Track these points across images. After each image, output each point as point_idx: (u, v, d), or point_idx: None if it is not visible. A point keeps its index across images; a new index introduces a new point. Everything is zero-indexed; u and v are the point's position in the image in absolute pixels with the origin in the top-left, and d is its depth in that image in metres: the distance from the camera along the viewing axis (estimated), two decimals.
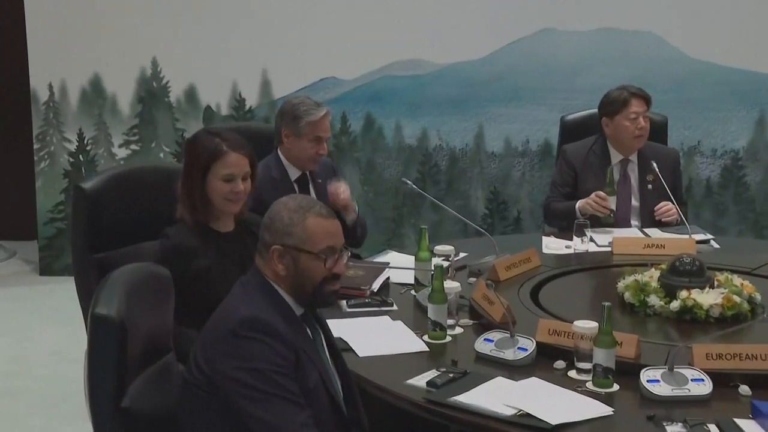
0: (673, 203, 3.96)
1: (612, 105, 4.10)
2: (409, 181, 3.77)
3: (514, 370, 2.53)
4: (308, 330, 2.32)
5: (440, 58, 5.68)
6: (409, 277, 3.25)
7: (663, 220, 3.99)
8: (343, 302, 3.07)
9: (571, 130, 4.48)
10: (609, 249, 3.67)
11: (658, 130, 4.40)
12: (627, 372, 2.43)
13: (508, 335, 2.64)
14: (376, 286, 3.22)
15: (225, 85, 5.71)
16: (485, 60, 5.66)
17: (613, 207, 3.91)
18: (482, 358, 2.62)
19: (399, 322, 2.91)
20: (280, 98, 5.52)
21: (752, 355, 2.45)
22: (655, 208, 4.00)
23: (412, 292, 3.20)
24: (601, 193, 3.91)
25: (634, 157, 4.15)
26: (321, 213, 2.28)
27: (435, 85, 5.72)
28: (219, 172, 2.89)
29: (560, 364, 2.55)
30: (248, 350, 2.14)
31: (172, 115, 5.76)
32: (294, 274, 2.26)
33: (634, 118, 4.05)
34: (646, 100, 4.09)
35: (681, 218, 3.93)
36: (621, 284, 3.07)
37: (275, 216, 2.27)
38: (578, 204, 3.97)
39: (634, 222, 4.11)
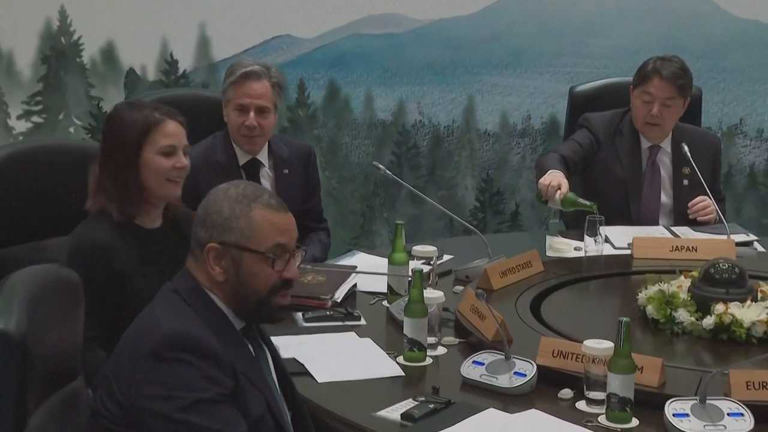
0: (711, 200, 3.99)
1: (638, 74, 4.13)
2: (381, 166, 3.77)
3: (510, 401, 2.54)
4: (251, 347, 2.31)
5: (421, 12, 5.69)
6: (380, 285, 3.26)
7: (700, 219, 4.01)
8: (299, 315, 3.07)
9: (582, 104, 4.50)
10: (628, 252, 3.70)
11: (691, 106, 4.43)
12: (649, 403, 2.45)
13: (503, 357, 2.65)
14: (339, 295, 3.22)
15: (152, 44, 5.68)
16: (477, 16, 5.69)
17: (552, 206, 3.86)
18: (470, 385, 2.62)
19: (368, 340, 2.92)
20: (222, 61, 5.52)
21: None
22: (690, 204, 4.04)
23: (385, 302, 3.20)
24: (563, 191, 3.76)
25: (666, 144, 4.18)
26: (270, 204, 2.28)
27: (415, 47, 5.73)
28: (156, 144, 2.92)
29: (566, 392, 2.56)
30: (174, 375, 2.13)
31: (86, 80, 5.73)
32: (235, 280, 2.25)
33: (648, 102, 4.07)
34: (676, 85, 4.05)
35: (718, 216, 3.96)
36: (642, 295, 3.09)
37: (212, 207, 2.27)
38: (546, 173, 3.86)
39: (662, 222, 4.14)
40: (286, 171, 3.76)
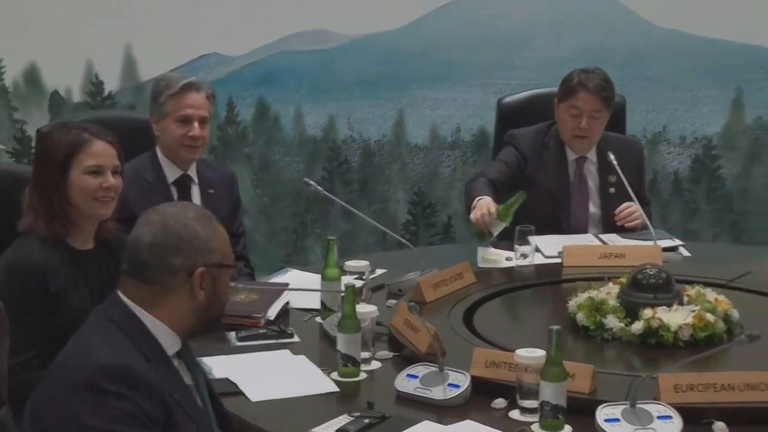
0: (638, 207, 4.04)
1: (562, 87, 4.17)
2: (312, 182, 3.78)
3: (444, 412, 2.55)
4: (186, 371, 2.30)
5: (350, 28, 5.71)
6: (314, 301, 3.26)
7: (627, 225, 4.07)
8: (232, 334, 3.06)
9: (510, 116, 4.54)
10: (558, 260, 3.74)
11: (615, 114, 4.49)
12: (581, 410, 2.47)
13: (437, 369, 2.66)
14: (272, 313, 3.21)
15: (77, 65, 5.63)
16: (405, 30, 5.72)
17: (495, 232, 3.80)
18: (405, 399, 2.63)
19: (302, 357, 2.91)
20: (149, 81, 5.47)
21: (728, 385, 2.52)
22: (616, 212, 4.09)
23: (318, 319, 3.20)
24: (490, 206, 3.79)
25: (592, 154, 4.23)
26: (214, 218, 2.32)
27: (344, 62, 5.74)
28: (83, 164, 2.94)
29: (500, 402, 2.58)
30: (107, 407, 2.10)
31: (8, 103, 5.65)
32: (211, 299, 2.27)
33: (576, 115, 4.11)
34: (602, 97, 4.09)
35: (645, 221, 4.02)
36: (572, 303, 3.12)
37: (185, 232, 2.25)
38: (472, 204, 3.88)
39: (592, 232, 4.18)
40: (211, 191, 3.77)
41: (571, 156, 4.22)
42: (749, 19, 5.56)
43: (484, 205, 3.80)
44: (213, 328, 2.36)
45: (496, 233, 3.78)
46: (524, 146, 4.22)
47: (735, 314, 3.05)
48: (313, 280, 3.38)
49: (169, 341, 2.26)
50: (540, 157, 4.21)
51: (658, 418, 2.42)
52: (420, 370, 2.69)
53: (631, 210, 4.07)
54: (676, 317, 2.96)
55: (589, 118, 4.10)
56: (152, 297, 2.24)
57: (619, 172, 4.07)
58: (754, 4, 5.58)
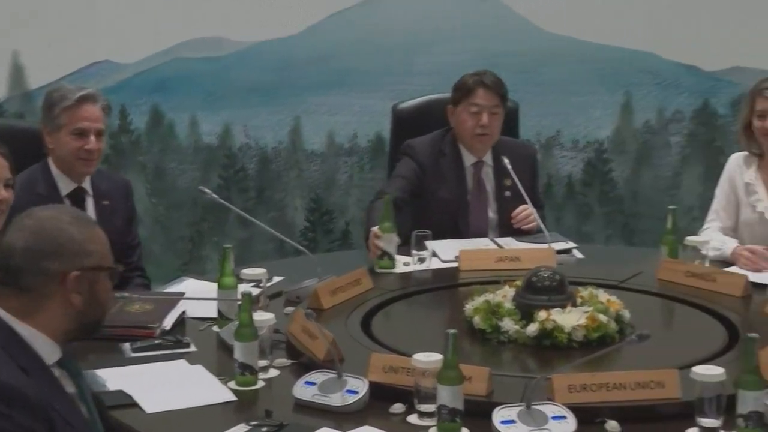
0: (532, 210, 4.10)
1: (457, 91, 4.23)
2: (207, 190, 3.75)
3: (343, 418, 2.55)
4: (68, 380, 2.25)
5: (245, 35, 5.68)
6: (210, 310, 3.23)
7: (523, 228, 4.13)
8: (126, 345, 3.02)
9: (405, 121, 4.58)
10: (455, 265, 3.77)
11: (509, 119, 4.56)
12: (478, 412, 2.49)
13: (335, 376, 2.66)
14: (168, 323, 3.18)
15: None
16: (301, 37, 5.71)
17: (391, 249, 3.73)
18: (303, 406, 2.63)
19: (199, 367, 2.89)
20: (38, 89, 5.36)
21: (620, 384, 2.57)
22: (513, 214, 4.14)
23: (215, 328, 3.18)
24: (376, 231, 3.73)
25: (488, 158, 4.28)
26: (92, 220, 2.29)
27: (239, 70, 5.71)
28: None
29: (398, 407, 2.59)
30: None
31: None
32: (89, 303, 2.22)
33: (476, 113, 4.17)
34: (498, 93, 4.18)
35: (539, 224, 4.08)
36: (469, 307, 3.15)
37: (59, 235, 2.20)
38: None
39: (489, 237, 4.23)
40: (106, 202, 3.72)
41: (469, 161, 4.27)
42: (638, 26, 5.70)
43: (371, 236, 3.77)
44: (93, 332, 2.31)
45: (394, 249, 3.77)
46: (422, 156, 4.25)
47: (626, 314, 3.12)
48: (210, 288, 3.36)
49: (48, 350, 2.21)
50: (438, 166, 4.24)
51: (553, 418, 2.46)
52: (318, 377, 2.69)
53: (527, 213, 4.12)
54: (569, 319, 3.00)
55: (489, 114, 4.16)
56: (28, 305, 2.19)
57: (514, 175, 4.13)
58: (642, 11, 5.71)
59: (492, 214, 4.27)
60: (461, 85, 4.21)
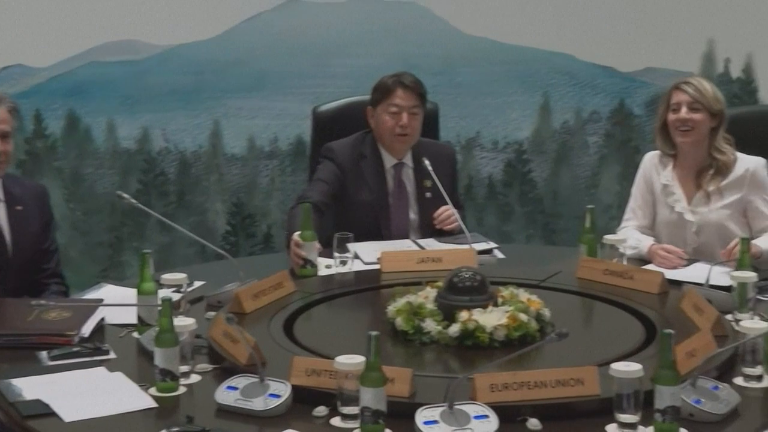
0: (453, 210, 4.12)
1: (376, 92, 4.25)
2: (126, 195, 3.71)
3: (266, 423, 2.54)
4: None
5: (161, 38, 5.63)
6: (130, 316, 3.19)
7: (445, 228, 4.15)
8: (43, 353, 2.97)
9: (326, 124, 4.58)
10: (378, 266, 3.78)
11: (428, 121, 4.59)
12: (401, 414, 2.49)
13: (257, 380, 2.65)
14: (87, 330, 3.13)
15: None
16: (218, 40, 5.68)
17: (312, 257, 3.73)
18: (225, 411, 2.61)
19: (118, 374, 2.85)
20: None
21: (541, 382, 2.60)
22: (434, 215, 4.16)
23: (135, 334, 3.14)
24: (297, 239, 3.74)
25: (409, 159, 4.30)
26: None
27: (156, 73, 5.66)
28: None
29: (321, 410, 2.59)
30: None
31: None
32: None
33: (395, 113, 4.19)
34: (417, 93, 4.21)
35: (460, 225, 4.11)
36: (391, 308, 3.16)
37: None
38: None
39: (411, 238, 4.25)
40: (19, 207, 3.65)
41: (389, 163, 4.28)
42: (554, 28, 5.77)
43: (292, 245, 3.78)
44: None
45: (315, 257, 3.76)
46: (342, 159, 4.25)
47: (547, 313, 3.15)
48: (129, 294, 3.32)
49: None
50: (358, 168, 4.25)
51: (475, 417, 2.47)
52: (240, 381, 2.67)
53: (448, 213, 4.15)
54: (490, 318, 3.02)
55: (409, 114, 4.19)
56: None
57: (434, 177, 4.15)
58: (558, 14, 5.78)
59: (413, 215, 4.29)
60: (380, 86, 4.23)
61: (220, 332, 2.94)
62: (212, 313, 3.25)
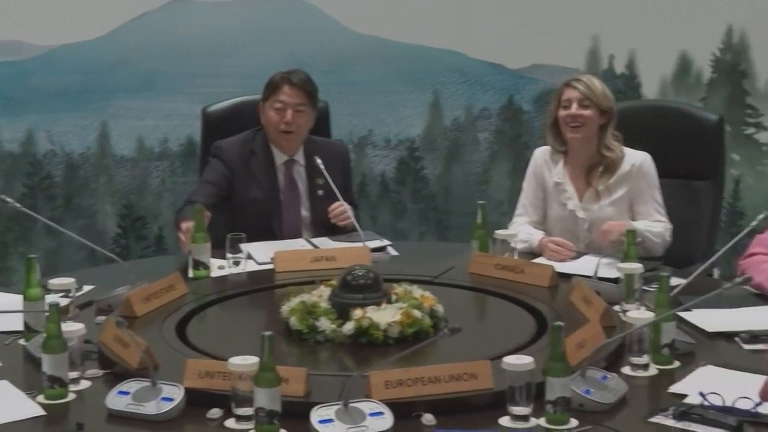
0: (347, 208, 4.13)
1: (265, 89, 4.26)
2: (9, 199, 3.64)
3: (159, 427, 2.51)
4: None
5: (45, 38, 5.52)
6: (16, 323, 3.12)
7: (339, 224, 4.15)
8: None
9: (216, 124, 4.55)
10: (271, 266, 3.76)
11: (319, 119, 4.59)
12: (296, 413, 2.49)
13: (149, 384, 2.62)
14: None
15: None
16: (104, 40, 5.59)
17: (205, 258, 3.69)
18: (117, 416, 2.57)
19: (4, 382, 2.78)
20: None
21: (435, 378, 2.62)
22: (330, 209, 4.16)
23: (21, 341, 3.08)
24: (187, 225, 3.74)
25: (300, 157, 4.30)
26: None
27: (41, 74, 5.55)
28: None
29: (215, 412, 2.57)
30: None
31: None
32: None
33: (280, 109, 4.20)
34: (304, 91, 4.21)
35: (354, 223, 4.11)
36: (285, 308, 3.15)
37: None
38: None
39: (305, 236, 4.24)
40: None
41: (280, 160, 4.28)
42: (443, 26, 5.82)
43: (183, 244, 3.78)
44: None
45: (208, 258, 3.72)
46: (230, 157, 4.23)
47: (440, 309, 3.17)
48: (15, 301, 3.24)
49: None
50: (247, 165, 4.23)
51: (370, 415, 2.48)
52: (132, 385, 2.63)
53: (342, 209, 4.15)
54: (384, 316, 3.04)
55: (294, 111, 4.19)
56: None
57: (327, 175, 4.15)
58: (446, 12, 5.83)
59: (305, 212, 4.29)
60: (269, 82, 4.25)
61: (110, 337, 2.89)
62: (102, 318, 3.20)
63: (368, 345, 3.00)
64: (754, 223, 3.48)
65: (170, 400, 2.57)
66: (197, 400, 2.60)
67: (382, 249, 4.06)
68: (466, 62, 5.96)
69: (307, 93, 4.22)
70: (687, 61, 6.02)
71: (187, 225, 3.77)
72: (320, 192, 4.25)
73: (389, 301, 3.13)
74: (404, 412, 2.53)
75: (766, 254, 3.53)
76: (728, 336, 3.08)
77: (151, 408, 2.56)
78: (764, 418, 2.46)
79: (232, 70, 5.59)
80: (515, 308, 3.37)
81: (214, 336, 3.16)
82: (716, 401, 2.55)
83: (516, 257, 3.77)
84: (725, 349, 3.02)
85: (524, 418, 2.52)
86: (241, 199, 4.19)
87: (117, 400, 2.60)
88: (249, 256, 3.82)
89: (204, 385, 2.64)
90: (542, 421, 2.51)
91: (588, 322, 2.98)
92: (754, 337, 2.99)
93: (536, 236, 3.99)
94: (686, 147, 4.32)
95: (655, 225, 3.93)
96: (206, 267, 3.71)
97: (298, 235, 4.23)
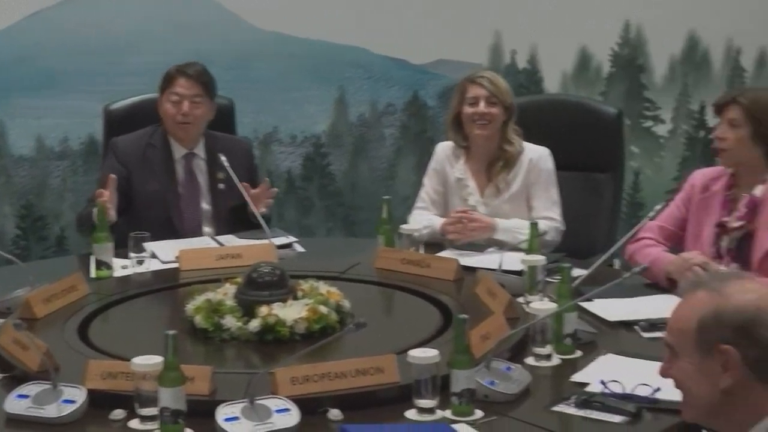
0: (249, 203, 4.09)
1: (162, 81, 4.26)
2: None
3: (60, 430, 2.48)
4: None
5: None
6: None
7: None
8: None
9: (118, 122, 4.50)
10: (176, 265, 3.73)
11: (224, 117, 4.56)
12: (202, 412, 2.48)
13: (50, 387, 2.58)
14: None
15: None
16: (1, 36, 5.47)
17: (107, 258, 3.66)
18: (16, 420, 2.52)
19: None
20: None
21: (342, 373, 2.62)
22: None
23: None
24: (103, 192, 3.87)
25: (200, 150, 4.28)
26: None
27: None
28: None
29: (119, 413, 2.54)
30: None
31: None
32: None
33: (177, 101, 4.19)
34: (200, 83, 4.21)
35: (259, 220, 4.09)
36: (190, 307, 3.13)
37: None
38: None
39: (207, 229, 4.22)
40: None
41: (179, 153, 4.26)
42: (346, 22, 5.82)
43: (108, 210, 3.80)
44: None
45: (110, 258, 3.68)
46: (124, 152, 4.21)
47: (346, 304, 3.18)
48: None
49: None
50: (145, 159, 4.20)
51: (277, 411, 2.48)
52: (31, 389, 2.59)
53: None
54: (291, 312, 3.03)
55: (191, 103, 4.18)
56: None
57: (231, 171, 4.13)
58: (349, 7, 5.83)
59: (206, 206, 4.27)
60: (165, 76, 4.25)
61: (9, 339, 2.83)
62: (0, 320, 3.14)
63: (275, 342, 3.00)
64: (651, 213, 3.56)
65: (72, 402, 2.54)
66: (100, 402, 2.57)
67: (288, 246, 4.05)
68: (371, 58, 5.97)
69: (203, 84, 4.22)
70: (587, 56, 6.13)
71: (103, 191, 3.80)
72: (221, 186, 4.24)
73: (295, 298, 3.13)
74: (311, 407, 2.53)
75: (652, 239, 3.62)
76: (628, 325, 3.14)
77: (51, 411, 2.52)
78: (662, 403, 2.52)
79: (134, 68, 5.52)
80: (421, 302, 3.40)
81: (117, 336, 3.12)
82: (616, 389, 2.60)
83: (422, 248, 3.80)
84: (625, 337, 3.09)
85: (430, 410, 2.54)
86: (139, 192, 4.16)
87: (16, 404, 2.55)
88: (153, 255, 3.78)
89: (107, 386, 2.61)
90: (448, 413, 2.53)
91: (492, 315, 3.02)
92: (652, 325, 3.06)
93: (437, 221, 4.01)
94: (586, 140, 4.40)
95: (523, 226, 3.88)
96: (109, 267, 3.66)
97: (199, 229, 4.21)
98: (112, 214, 3.91)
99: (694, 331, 1.99)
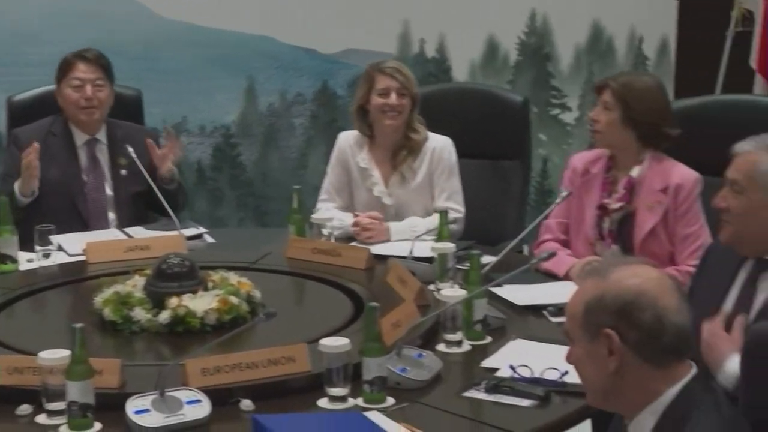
0: (156, 191, 4.04)
1: (59, 70, 4.21)
2: None
3: None
4: None
5: None
6: None
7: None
8: None
9: (22, 114, 4.44)
10: (84, 258, 3.68)
11: (131, 107, 4.50)
12: (112, 405, 2.46)
13: None
14: None
15: None
16: None
17: (12, 251, 3.62)
18: None
19: None
20: None
21: (253, 363, 2.62)
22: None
23: None
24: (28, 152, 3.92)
25: (102, 136, 4.25)
26: None
27: None
28: None
29: (25, 408, 2.51)
30: None
31: None
32: None
33: (78, 86, 4.16)
34: (100, 66, 4.20)
35: (169, 212, 4.05)
36: (98, 299, 3.09)
37: None
38: None
39: (111, 215, 4.19)
40: None
41: (81, 140, 4.22)
42: (253, 11, 5.78)
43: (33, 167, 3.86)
44: None
45: (15, 251, 3.62)
46: (24, 141, 4.14)
47: (257, 294, 3.18)
48: None
49: None
50: (46, 146, 4.13)
51: (188, 403, 2.47)
52: None
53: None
54: (201, 303, 3.02)
55: (94, 86, 4.16)
56: None
57: (136, 159, 4.11)
58: None
59: (109, 191, 4.24)
60: (61, 64, 4.22)
61: None
62: None
63: (185, 333, 2.99)
64: (558, 200, 3.62)
65: None
66: (6, 397, 2.55)
67: (198, 237, 4.03)
68: (279, 48, 5.94)
69: (102, 67, 4.21)
70: (494, 45, 6.18)
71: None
72: (123, 172, 4.21)
73: (206, 289, 3.11)
74: (222, 398, 2.53)
75: (554, 239, 3.67)
76: (537, 310, 3.19)
77: None
78: (570, 387, 2.56)
79: (36, 59, 5.40)
80: (332, 291, 3.40)
81: (23, 331, 3.08)
82: (525, 373, 2.64)
83: (333, 241, 3.80)
84: (534, 323, 3.14)
85: (342, 398, 2.55)
86: (42, 180, 4.09)
87: None
88: (59, 248, 3.72)
89: (12, 381, 2.58)
90: (360, 401, 2.55)
91: (403, 302, 3.03)
92: (560, 309, 3.10)
93: (348, 219, 4.00)
94: (494, 128, 4.44)
95: (417, 224, 3.90)
96: (14, 261, 3.60)
97: (104, 215, 4.17)
98: (35, 184, 3.94)
99: (581, 317, 2.03)
